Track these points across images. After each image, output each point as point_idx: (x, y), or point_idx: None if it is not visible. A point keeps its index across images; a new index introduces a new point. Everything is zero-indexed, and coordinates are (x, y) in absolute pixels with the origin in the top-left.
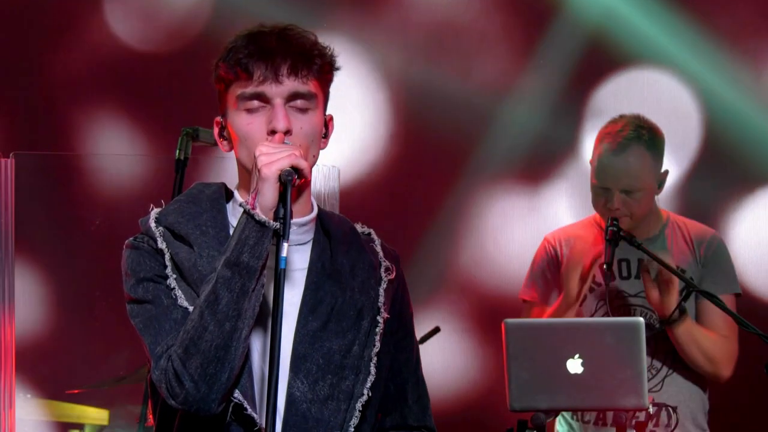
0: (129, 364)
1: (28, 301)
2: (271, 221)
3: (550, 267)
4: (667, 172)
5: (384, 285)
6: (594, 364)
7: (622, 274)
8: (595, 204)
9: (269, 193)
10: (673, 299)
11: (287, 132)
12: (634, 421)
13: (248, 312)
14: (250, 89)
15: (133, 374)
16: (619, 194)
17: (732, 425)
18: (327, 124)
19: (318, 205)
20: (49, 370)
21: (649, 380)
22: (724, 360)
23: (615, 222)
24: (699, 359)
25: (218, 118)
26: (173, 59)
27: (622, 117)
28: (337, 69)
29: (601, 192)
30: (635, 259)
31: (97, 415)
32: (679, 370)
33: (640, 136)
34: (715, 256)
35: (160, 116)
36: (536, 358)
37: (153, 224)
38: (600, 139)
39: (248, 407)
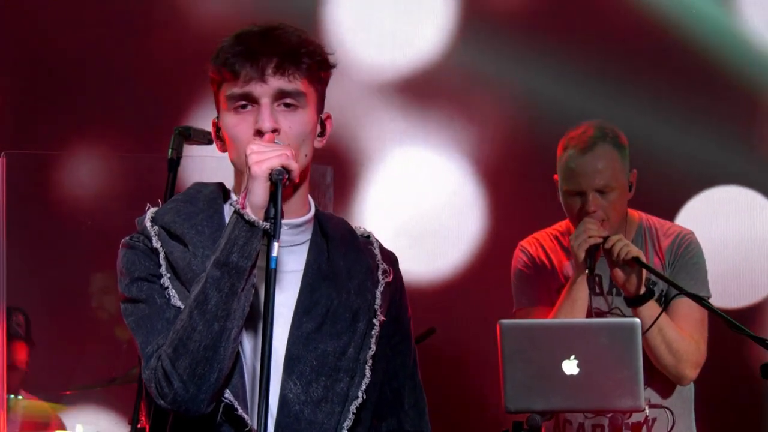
0: (121, 364)
1: (19, 301)
2: (261, 221)
3: (537, 273)
4: (635, 173)
5: (381, 288)
6: (590, 365)
7: (594, 290)
8: (570, 212)
9: (259, 192)
10: (638, 278)
11: (275, 131)
12: (630, 423)
13: (237, 312)
14: (236, 90)
15: (126, 375)
16: (595, 195)
17: (726, 428)
18: (324, 122)
19: (316, 207)
20: (40, 371)
21: None
22: (689, 358)
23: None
24: (662, 350)
25: (214, 119)
26: (166, 58)
27: (581, 124)
28: (333, 66)
29: (575, 197)
30: (607, 275)
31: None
32: (656, 380)
33: (605, 135)
34: (682, 259)
35: (153, 115)
36: (532, 359)
37: (149, 223)
38: (564, 146)
39: (238, 408)
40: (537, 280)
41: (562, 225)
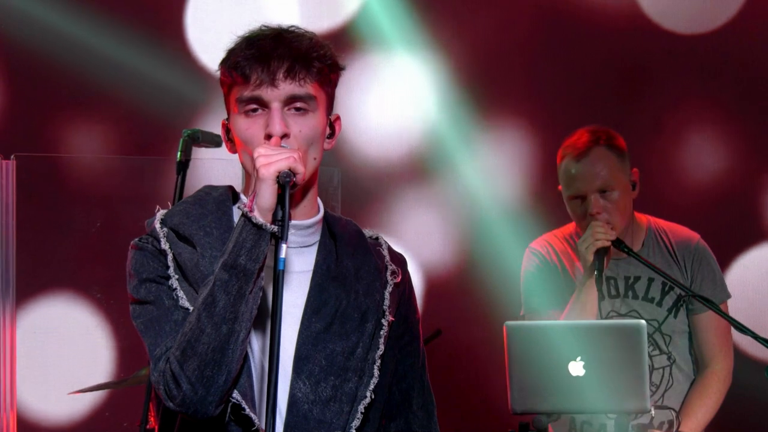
0: (130, 365)
1: (30, 303)
2: (269, 224)
3: (548, 275)
4: (636, 171)
5: (389, 288)
6: (596, 366)
7: (611, 293)
8: (576, 217)
9: (267, 194)
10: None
11: (285, 136)
12: (636, 424)
13: (245, 315)
14: (247, 93)
15: (134, 376)
16: (596, 197)
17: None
18: (333, 124)
19: (325, 209)
20: (50, 372)
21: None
22: (726, 388)
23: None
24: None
25: (224, 121)
26: (176, 60)
27: (575, 131)
28: (342, 69)
29: (577, 201)
30: (622, 277)
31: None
32: (678, 382)
33: (598, 138)
34: (701, 266)
35: (162, 118)
36: (538, 361)
37: (158, 225)
38: (561, 155)
39: (246, 407)
40: (547, 283)
41: (570, 227)
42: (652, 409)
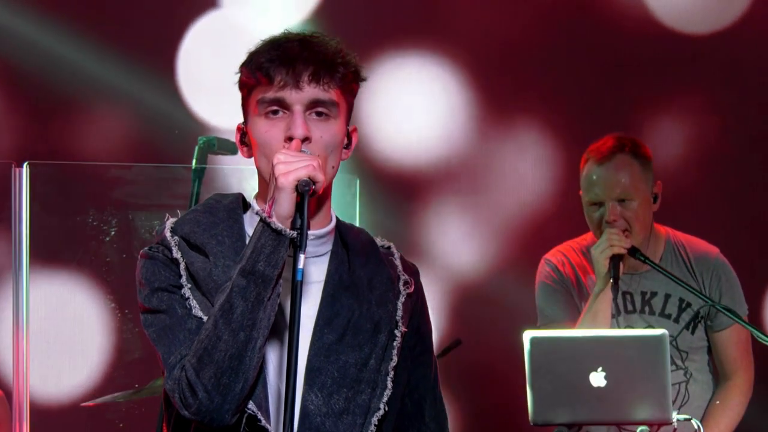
0: (144, 376)
1: (42, 312)
2: (288, 229)
3: (563, 286)
4: (659, 184)
5: (402, 299)
6: (617, 377)
7: (627, 308)
8: (592, 224)
9: (285, 203)
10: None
11: (306, 139)
12: None
13: (263, 322)
14: (270, 95)
15: (150, 386)
16: (614, 204)
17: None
18: (350, 135)
19: (337, 217)
20: (63, 382)
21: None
22: (747, 400)
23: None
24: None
25: (240, 124)
26: (193, 66)
27: (603, 137)
28: (363, 80)
29: (595, 208)
30: (639, 293)
31: None
32: (694, 397)
33: (624, 146)
34: (720, 281)
35: (178, 125)
36: (559, 372)
37: (168, 234)
38: (585, 159)
39: (262, 419)
40: (562, 294)
41: (587, 237)
42: (675, 420)
